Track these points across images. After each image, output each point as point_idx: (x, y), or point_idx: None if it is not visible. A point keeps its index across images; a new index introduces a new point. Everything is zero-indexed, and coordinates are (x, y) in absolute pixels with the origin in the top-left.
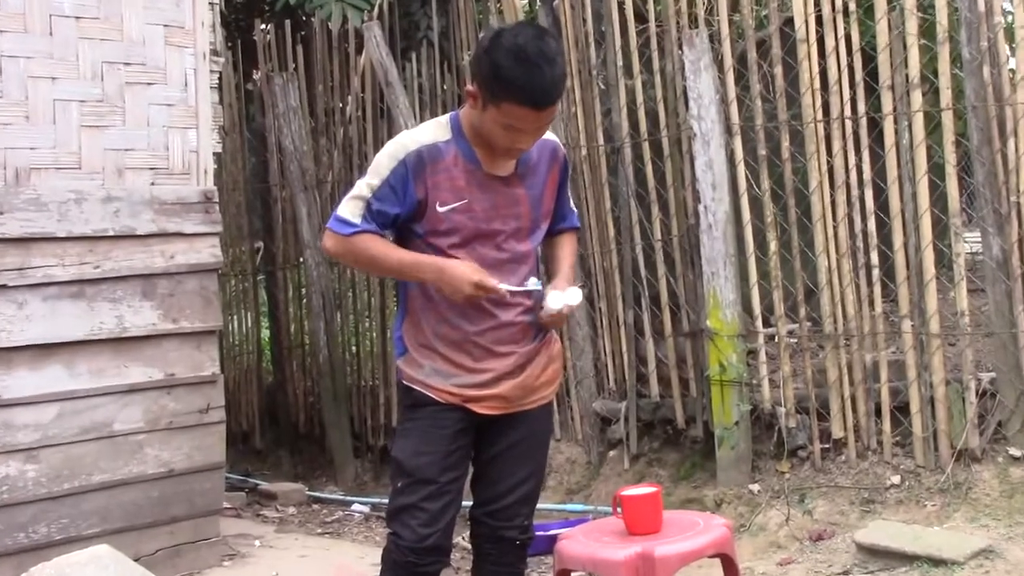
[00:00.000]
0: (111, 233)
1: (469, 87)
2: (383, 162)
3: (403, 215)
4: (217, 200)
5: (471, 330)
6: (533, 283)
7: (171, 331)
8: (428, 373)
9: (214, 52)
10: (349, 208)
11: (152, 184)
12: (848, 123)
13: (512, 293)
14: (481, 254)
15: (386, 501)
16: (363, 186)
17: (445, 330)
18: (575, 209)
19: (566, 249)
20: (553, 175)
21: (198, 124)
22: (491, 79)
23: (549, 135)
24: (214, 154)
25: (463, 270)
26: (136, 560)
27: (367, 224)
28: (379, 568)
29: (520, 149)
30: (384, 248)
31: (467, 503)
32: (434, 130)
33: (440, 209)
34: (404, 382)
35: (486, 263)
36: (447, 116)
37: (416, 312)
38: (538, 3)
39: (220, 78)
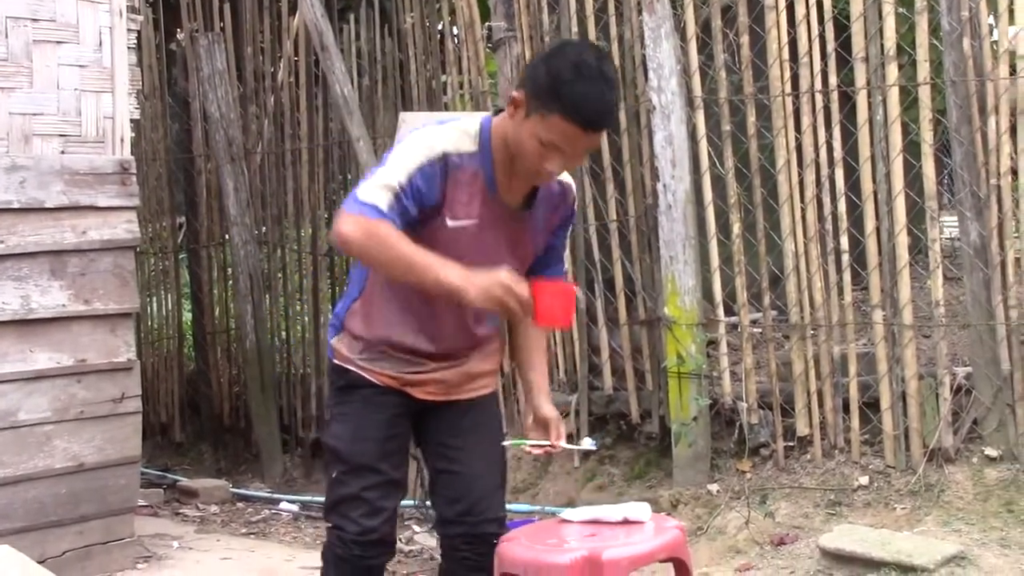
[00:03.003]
0: (16, 205)
1: (515, 93)
2: (411, 156)
3: (417, 219)
4: (135, 171)
5: (430, 350)
6: (588, 443)
7: (82, 313)
8: (367, 358)
9: (132, 9)
10: (377, 194)
11: (62, 152)
12: (818, 97)
13: (538, 447)
14: None
15: (317, 499)
16: (390, 175)
17: (398, 336)
18: (564, 260)
19: (541, 350)
20: (556, 216)
21: (114, 87)
22: (546, 87)
23: (565, 175)
24: (132, 121)
25: (495, 271)
26: (41, 562)
27: (392, 215)
28: (318, 570)
29: (548, 173)
30: (404, 241)
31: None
32: (461, 137)
33: (450, 223)
34: (337, 362)
35: None
36: (476, 122)
37: (372, 305)
38: None
39: (139, 37)
